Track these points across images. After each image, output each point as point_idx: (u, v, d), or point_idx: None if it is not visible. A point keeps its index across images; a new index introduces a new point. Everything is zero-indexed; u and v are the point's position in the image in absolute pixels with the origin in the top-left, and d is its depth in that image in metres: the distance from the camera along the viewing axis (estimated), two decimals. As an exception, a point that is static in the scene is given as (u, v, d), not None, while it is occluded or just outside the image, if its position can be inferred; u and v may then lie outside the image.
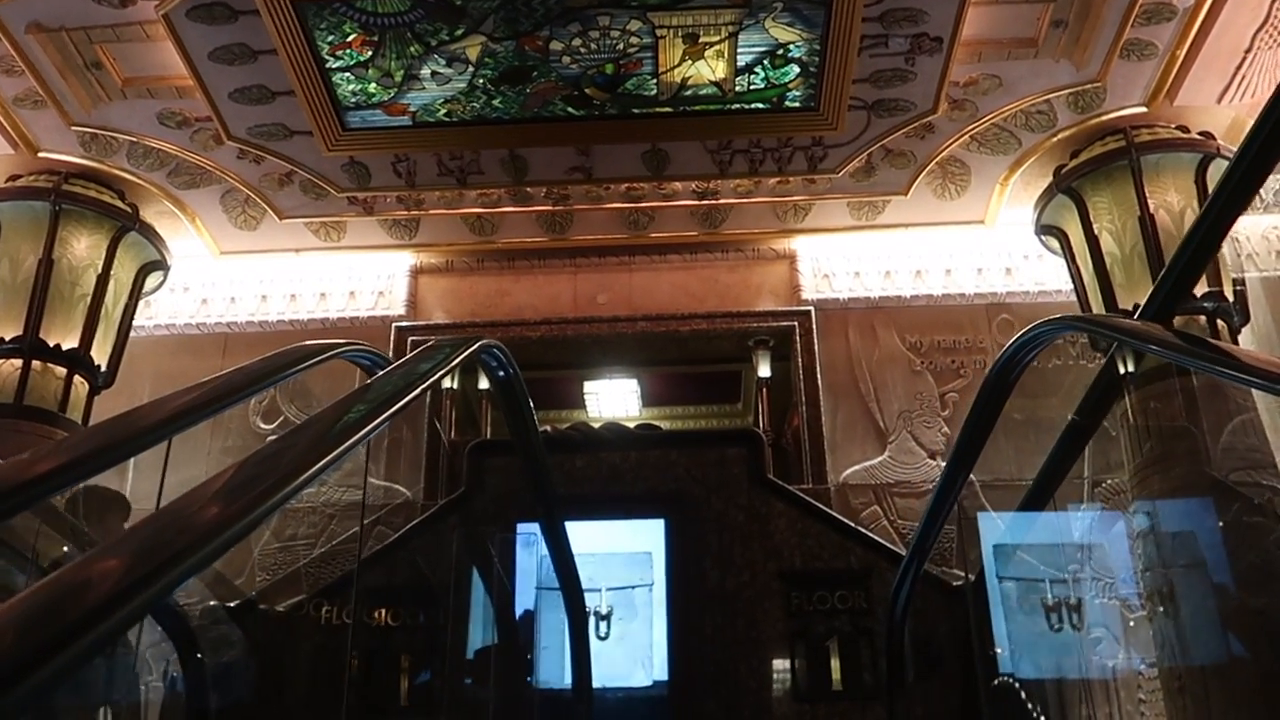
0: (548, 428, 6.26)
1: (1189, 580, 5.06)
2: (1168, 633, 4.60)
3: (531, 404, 3.53)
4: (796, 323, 7.39)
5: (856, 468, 6.99)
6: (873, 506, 6.84)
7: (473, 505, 5.77)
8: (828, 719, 5.31)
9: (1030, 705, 4.03)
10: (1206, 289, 6.10)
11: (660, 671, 5.43)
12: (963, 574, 5.53)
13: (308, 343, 1.98)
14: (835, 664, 5.41)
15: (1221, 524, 5.03)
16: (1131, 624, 4.93)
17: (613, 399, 8.83)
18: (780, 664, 5.43)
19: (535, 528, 4.57)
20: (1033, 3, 5.67)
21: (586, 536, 5.29)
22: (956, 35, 5.74)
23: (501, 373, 2.84)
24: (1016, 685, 4.12)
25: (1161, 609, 5.40)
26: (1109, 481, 6.97)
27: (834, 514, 5.91)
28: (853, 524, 5.87)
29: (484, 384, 7.60)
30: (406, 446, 7.16)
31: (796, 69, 6.02)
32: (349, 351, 2.28)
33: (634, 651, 5.46)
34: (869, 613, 5.51)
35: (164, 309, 7.64)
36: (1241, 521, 4.72)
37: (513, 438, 3.70)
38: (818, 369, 7.25)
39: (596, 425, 6.15)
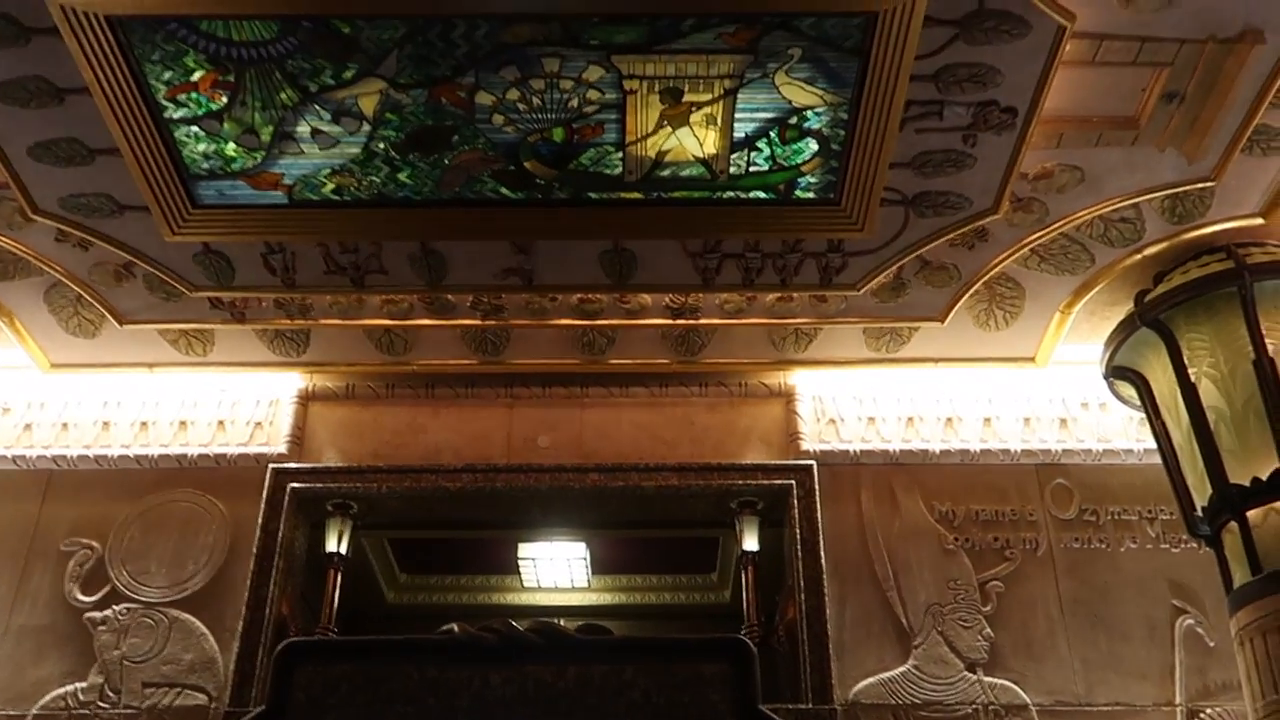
0: (453, 625, 4.52)
1: None
2: None
3: None
4: (794, 480, 5.80)
5: (871, 680, 5.30)
6: (894, 738, 5.11)
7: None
8: None
9: None
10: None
11: None
12: None
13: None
14: None
15: None
16: None
17: (554, 567, 7.23)
18: None
19: None
20: (1140, 66, 4.14)
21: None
22: (1037, 106, 4.21)
23: None
24: None
25: None
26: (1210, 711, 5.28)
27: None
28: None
29: (331, 544, 5.82)
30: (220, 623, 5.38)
31: (814, 145, 4.46)
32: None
33: None
34: None
35: (-29, 435, 5.87)
36: None
37: None
38: (820, 543, 5.63)
39: (521, 625, 4.41)
